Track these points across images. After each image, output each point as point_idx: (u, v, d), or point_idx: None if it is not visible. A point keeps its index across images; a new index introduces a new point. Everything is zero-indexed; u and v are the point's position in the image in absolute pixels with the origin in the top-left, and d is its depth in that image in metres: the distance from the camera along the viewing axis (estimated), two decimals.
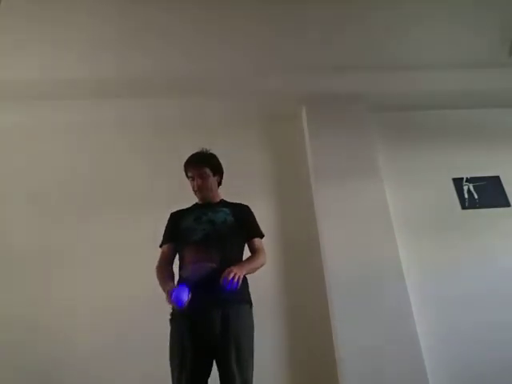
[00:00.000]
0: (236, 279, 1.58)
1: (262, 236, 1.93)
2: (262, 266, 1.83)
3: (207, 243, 1.75)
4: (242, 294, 1.73)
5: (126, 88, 3.04)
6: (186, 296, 1.55)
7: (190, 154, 2.01)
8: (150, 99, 3.15)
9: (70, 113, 3.20)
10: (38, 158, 3.12)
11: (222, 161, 2.05)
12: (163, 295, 1.71)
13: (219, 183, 2.02)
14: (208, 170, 1.94)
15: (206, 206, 1.93)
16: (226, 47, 2.86)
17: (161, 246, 1.93)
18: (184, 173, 1.99)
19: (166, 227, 1.96)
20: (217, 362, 1.63)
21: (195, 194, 1.97)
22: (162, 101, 3.18)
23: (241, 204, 1.98)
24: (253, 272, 1.77)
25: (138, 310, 2.54)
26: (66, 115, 3.21)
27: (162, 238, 1.94)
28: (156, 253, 1.93)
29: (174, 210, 2.00)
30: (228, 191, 2.06)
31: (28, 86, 2.89)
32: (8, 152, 3.10)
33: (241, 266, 1.69)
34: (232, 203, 1.98)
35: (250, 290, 1.81)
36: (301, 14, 2.65)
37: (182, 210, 1.98)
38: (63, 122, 3.20)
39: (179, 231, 1.87)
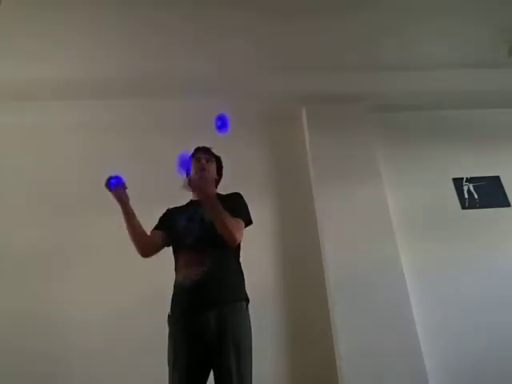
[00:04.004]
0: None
1: (244, 219, 1.78)
2: (228, 229, 1.63)
3: (198, 246, 1.72)
4: (238, 292, 1.72)
5: (125, 88, 3.04)
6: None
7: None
8: (148, 100, 3.15)
9: (68, 113, 3.21)
10: (37, 158, 3.12)
11: (222, 160, 2.07)
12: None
13: (216, 185, 2.01)
14: (213, 164, 1.98)
15: (200, 202, 1.85)
16: (225, 47, 2.86)
17: None
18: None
19: (161, 218, 1.94)
20: (212, 362, 1.60)
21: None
22: (161, 101, 3.18)
23: (232, 193, 1.93)
24: (217, 217, 1.62)
25: (137, 307, 2.55)
26: (66, 115, 3.22)
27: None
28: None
29: (170, 208, 1.98)
30: (228, 191, 2.05)
31: (27, 86, 2.90)
32: (8, 152, 3.11)
33: (214, 196, 1.64)
34: (224, 195, 1.93)
35: (250, 290, 1.79)
36: (301, 14, 2.65)
37: (178, 207, 1.96)
38: (62, 123, 3.22)
39: (175, 232, 1.83)
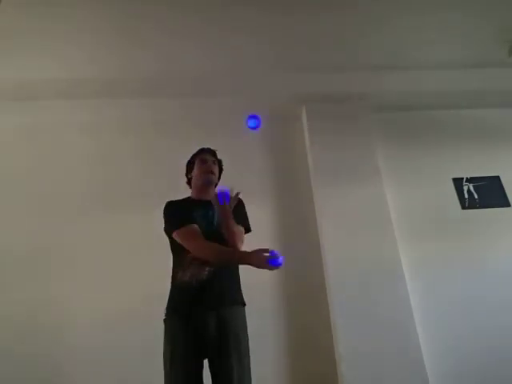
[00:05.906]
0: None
1: (245, 227, 1.83)
2: (234, 239, 1.70)
3: None
4: (237, 296, 1.74)
5: (125, 88, 3.05)
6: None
7: (189, 154, 2.01)
8: (149, 99, 3.15)
9: (69, 113, 3.21)
10: (38, 158, 3.11)
11: (221, 160, 2.07)
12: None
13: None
14: (217, 167, 1.98)
15: (203, 202, 1.85)
16: (226, 47, 2.86)
17: (172, 233, 1.75)
18: (184, 168, 2.01)
19: (177, 212, 1.80)
20: (211, 362, 1.59)
21: (198, 179, 1.91)
22: (161, 101, 3.18)
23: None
24: (228, 228, 1.71)
25: (137, 309, 2.54)
26: (65, 115, 3.21)
27: (171, 226, 1.77)
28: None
29: (173, 200, 1.88)
30: None
31: (28, 86, 2.90)
32: (8, 152, 3.10)
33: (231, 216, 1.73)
34: None
35: (250, 291, 1.79)
36: (301, 14, 2.65)
37: (180, 201, 1.87)
38: (62, 122, 3.21)
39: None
